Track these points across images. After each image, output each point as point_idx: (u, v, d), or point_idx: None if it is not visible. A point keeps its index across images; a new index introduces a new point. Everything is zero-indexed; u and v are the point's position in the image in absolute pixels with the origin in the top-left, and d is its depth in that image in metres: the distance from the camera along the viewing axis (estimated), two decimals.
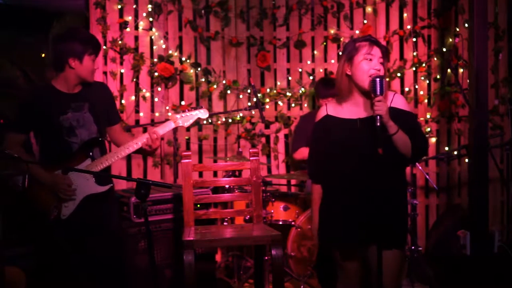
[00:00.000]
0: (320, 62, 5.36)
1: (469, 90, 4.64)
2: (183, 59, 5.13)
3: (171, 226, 4.07)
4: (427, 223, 5.43)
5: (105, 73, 5.00)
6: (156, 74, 5.06)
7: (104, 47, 4.96)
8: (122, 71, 5.04)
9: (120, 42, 4.99)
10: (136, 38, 5.07)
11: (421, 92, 5.38)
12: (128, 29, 5.01)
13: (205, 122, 5.17)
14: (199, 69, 5.17)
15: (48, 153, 3.38)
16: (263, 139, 5.32)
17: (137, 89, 5.07)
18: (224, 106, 5.22)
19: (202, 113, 3.56)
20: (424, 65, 5.35)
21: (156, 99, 5.09)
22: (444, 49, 5.34)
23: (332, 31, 5.32)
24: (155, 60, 5.07)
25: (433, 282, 4.40)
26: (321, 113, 2.98)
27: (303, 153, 4.89)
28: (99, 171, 3.29)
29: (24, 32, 5.18)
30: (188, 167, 3.68)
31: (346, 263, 2.95)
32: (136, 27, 5.06)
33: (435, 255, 4.85)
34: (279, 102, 5.29)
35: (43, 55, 5.54)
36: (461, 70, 5.17)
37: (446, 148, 5.35)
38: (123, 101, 5.00)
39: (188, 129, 5.15)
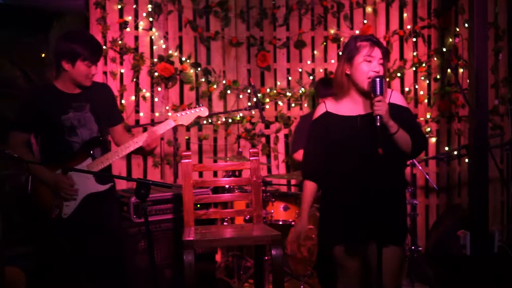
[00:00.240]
0: (320, 62, 5.36)
1: (469, 90, 4.64)
2: (183, 59, 5.13)
3: (171, 226, 4.07)
4: (427, 223, 5.43)
5: (105, 73, 5.00)
6: (156, 74, 5.06)
7: (104, 47, 4.96)
8: (122, 71, 5.04)
9: (120, 42, 4.99)
10: (136, 38, 5.08)
11: (421, 92, 5.38)
12: (128, 29, 5.01)
13: (205, 122, 5.17)
14: (199, 69, 5.17)
15: (49, 153, 3.39)
16: (263, 139, 5.32)
17: (137, 89, 5.07)
18: (224, 106, 5.22)
19: (202, 111, 3.56)
20: (424, 65, 5.35)
21: (156, 99, 5.09)
22: (444, 49, 5.34)
23: (332, 31, 5.32)
24: (155, 60, 5.07)
25: (433, 282, 4.40)
26: (320, 110, 2.97)
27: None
28: (99, 170, 3.30)
29: (24, 32, 5.17)
30: (188, 167, 3.68)
31: (346, 263, 2.94)
32: (136, 27, 5.06)
33: (435, 255, 4.85)
34: (279, 102, 5.29)
35: (43, 55, 5.54)
36: (461, 70, 5.18)
37: (446, 148, 5.35)
38: (123, 101, 5.00)
39: (188, 129, 5.15)
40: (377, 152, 2.67)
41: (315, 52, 5.35)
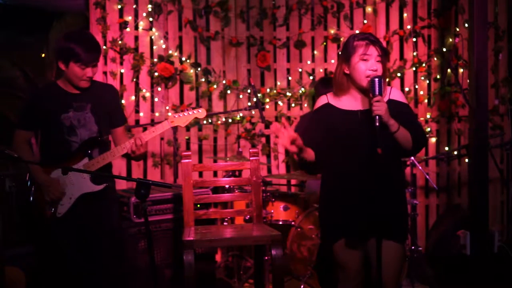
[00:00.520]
0: (320, 62, 5.36)
1: (469, 90, 4.64)
2: (183, 59, 5.13)
3: (171, 226, 4.07)
4: (427, 223, 5.43)
5: (105, 73, 5.00)
6: (156, 74, 5.06)
7: (104, 47, 4.96)
8: (122, 71, 5.04)
9: (120, 42, 4.99)
10: (136, 38, 5.07)
11: (421, 92, 5.38)
12: (128, 29, 5.01)
13: (205, 122, 5.17)
14: (199, 69, 5.17)
15: (48, 151, 3.41)
16: (263, 139, 5.32)
17: (137, 89, 5.07)
18: (224, 106, 5.22)
19: (200, 113, 3.53)
20: (424, 65, 5.35)
21: (156, 99, 5.09)
22: (444, 49, 5.34)
23: (332, 31, 5.32)
24: (155, 60, 5.07)
25: (433, 282, 4.40)
26: (322, 101, 2.97)
27: None
28: (95, 170, 3.30)
29: (24, 32, 5.18)
30: (188, 167, 3.68)
31: (347, 262, 2.94)
32: (136, 27, 5.06)
33: (435, 255, 4.85)
34: (279, 102, 5.29)
35: (43, 55, 5.54)
36: (461, 70, 5.18)
37: (446, 148, 5.35)
38: (123, 101, 5.00)
39: (188, 129, 5.15)
40: (376, 151, 2.67)
41: (315, 52, 5.35)
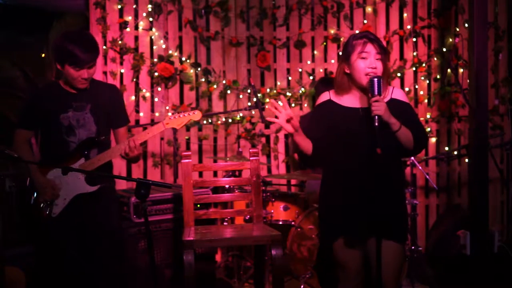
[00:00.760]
0: (320, 62, 5.36)
1: (469, 90, 4.64)
2: (183, 59, 5.13)
3: (171, 226, 4.07)
4: (427, 223, 5.43)
5: (105, 73, 5.00)
6: (156, 74, 5.06)
7: (104, 47, 4.97)
8: (122, 71, 5.04)
9: (120, 42, 4.99)
10: (136, 38, 5.08)
11: (421, 92, 5.38)
12: (128, 29, 5.01)
13: (205, 122, 5.17)
14: (199, 69, 5.17)
15: (47, 151, 3.41)
16: (263, 139, 5.32)
17: (137, 89, 5.07)
18: (224, 106, 5.22)
19: (195, 115, 3.47)
20: (424, 65, 5.35)
21: (156, 99, 5.09)
22: (444, 49, 5.34)
23: (332, 31, 5.32)
24: (155, 60, 5.07)
25: (433, 282, 4.40)
26: (324, 97, 2.98)
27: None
28: (90, 171, 3.29)
29: (24, 32, 5.18)
30: (188, 167, 3.68)
31: (347, 261, 2.93)
32: (136, 27, 5.06)
33: (435, 255, 4.85)
34: (279, 102, 5.28)
35: (43, 55, 5.54)
36: (461, 70, 5.18)
37: (446, 148, 5.36)
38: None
39: (188, 129, 5.15)
40: (376, 151, 2.67)
41: (315, 52, 5.35)
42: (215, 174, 5.20)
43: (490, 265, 4.36)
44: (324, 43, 5.36)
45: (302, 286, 4.30)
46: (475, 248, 4.43)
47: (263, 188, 4.28)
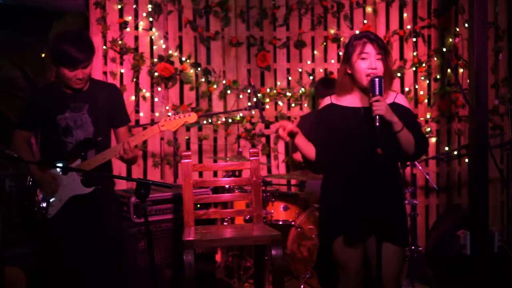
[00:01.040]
0: (320, 62, 5.36)
1: (469, 90, 4.64)
2: (183, 59, 5.13)
3: (171, 226, 4.07)
4: (427, 223, 5.43)
5: (105, 73, 5.00)
6: (156, 74, 5.06)
7: (104, 47, 4.97)
8: (122, 71, 5.04)
9: (120, 42, 4.99)
10: (136, 38, 5.08)
11: (421, 92, 5.38)
12: (128, 29, 5.01)
13: (205, 122, 5.17)
14: (199, 69, 5.17)
15: (45, 152, 3.41)
16: (263, 139, 5.32)
17: (137, 89, 5.07)
18: (224, 106, 5.22)
19: (191, 117, 3.42)
20: (424, 65, 5.35)
21: (156, 99, 5.09)
22: (444, 49, 5.34)
23: (332, 31, 5.32)
24: (155, 60, 5.07)
25: (433, 282, 4.40)
26: (325, 101, 2.99)
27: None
28: (91, 171, 3.28)
29: (24, 32, 5.17)
30: (188, 167, 3.68)
31: (347, 261, 2.93)
32: (136, 27, 5.06)
33: (435, 255, 4.85)
34: (279, 102, 5.29)
35: (43, 55, 5.53)
36: (461, 70, 5.18)
37: (446, 148, 5.36)
38: None
39: (188, 129, 5.15)
40: (376, 151, 2.67)
41: (315, 52, 5.35)
42: (215, 174, 5.20)
43: (490, 265, 4.36)
44: (324, 43, 5.36)
45: (302, 286, 4.30)
46: (475, 248, 4.43)
47: (263, 188, 4.28)
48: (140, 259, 3.91)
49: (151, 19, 5.06)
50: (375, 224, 2.73)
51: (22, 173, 3.39)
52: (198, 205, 3.97)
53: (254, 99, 4.78)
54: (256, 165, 3.74)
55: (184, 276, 3.29)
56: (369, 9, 5.34)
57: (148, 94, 5.07)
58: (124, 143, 3.27)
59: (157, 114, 5.07)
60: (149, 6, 5.04)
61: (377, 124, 2.71)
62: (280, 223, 4.47)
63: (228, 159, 4.70)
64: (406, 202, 4.32)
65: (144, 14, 5.04)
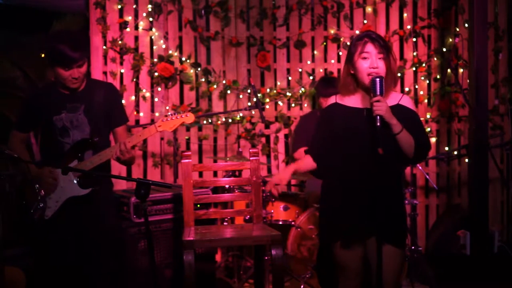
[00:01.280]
0: (320, 62, 5.36)
1: (469, 90, 4.64)
2: (183, 59, 5.13)
3: (171, 226, 4.07)
4: (427, 223, 5.43)
5: (105, 73, 5.00)
6: (156, 74, 5.06)
7: (104, 47, 4.97)
8: (122, 71, 5.04)
9: (120, 42, 4.99)
10: (136, 38, 5.08)
11: (421, 92, 5.38)
12: (128, 29, 5.01)
13: (205, 122, 5.17)
14: (199, 69, 5.17)
15: (43, 152, 3.40)
16: (263, 139, 5.32)
17: (137, 89, 5.07)
18: (224, 106, 5.22)
19: (188, 118, 3.40)
20: (424, 65, 5.35)
21: (156, 99, 5.09)
22: (444, 49, 5.34)
23: (332, 31, 5.32)
24: (155, 60, 5.07)
25: (433, 282, 4.40)
26: (330, 100, 3.00)
27: (303, 154, 4.88)
28: (91, 171, 3.25)
29: (24, 32, 5.17)
30: (188, 167, 3.68)
31: (347, 262, 2.93)
32: (136, 27, 5.06)
33: (435, 255, 4.85)
34: (279, 102, 5.29)
35: (43, 55, 5.53)
36: (461, 70, 5.18)
37: (446, 148, 5.36)
38: (123, 101, 5.00)
39: (188, 129, 5.15)
40: (377, 151, 2.67)
41: (315, 52, 5.35)
42: (215, 174, 5.20)
43: (490, 265, 4.36)
44: (324, 43, 5.36)
45: (302, 286, 4.30)
46: (475, 248, 4.44)
47: (263, 188, 4.28)
48: (140, 259, 3.91)
49: (151, 19, 5.06)
50: (375, 225, 2.72)
51: (19, 173, 3.38)
52: (198, 205, 3.97)
53: (254, 99, 4.78)
54: (256, 165, 3.74)
55: (184, 276, 3.29)
56: (369, 9, 5.35)
57: (148, 94, 5.07)
58: (121, 144, 3.24)
59: (157, 114, 5.07)
60: (149, 6, 5.04)
61: (378, 124, 2.71)
62: (280, 223, 4.47)
63: (228, 159, 4.70)
64: (406, 202, 4.32)
65: (144, 14, 5.04)
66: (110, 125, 3.46)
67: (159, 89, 5.09)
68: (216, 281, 4.32)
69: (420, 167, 4.94)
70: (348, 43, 5.26)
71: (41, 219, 3.25)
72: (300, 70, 5.34)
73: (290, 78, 5.32)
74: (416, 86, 5.40)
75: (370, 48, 2.80)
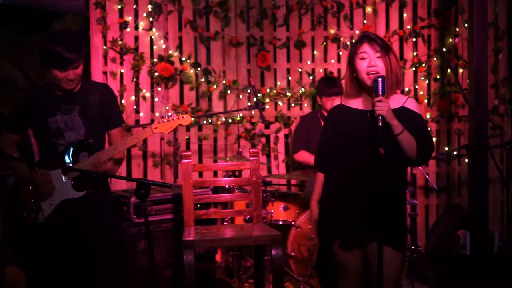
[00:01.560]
0: (320, 62, 5.36)
1: (469, 90, 4.65)
2: (183, 59, 5.14)
3: (171, 226, 4.07)
4: (427, 223, 5.43)
5: (105, 73, 5.01)
6: (156, 74, 5.06)
7: (104, 47, 4.97)
8: (122, 71, 5.04)
9: (120, 42, 4.99)
10: (136, 38, 5.08)
11: (421, 92, 5.38)
12: (128, 29, 5.02)
13: (205, 122, 5.18)
14: (199, 69, 5.17)
15: (40, 153, 3.35)
16: (263, 139, 5.32)
17: (137, 89, 5.07)
18: (224, 106, 5.22)
19: (184, 120, 3.36)
20: (424, 65, 5.35)
21: (156, 99, 5.09)
22: (444, 49, 5.35)
23: (332, 31, 5.32)
24: (155, 60, 5.07)
25: (433, 282, 4.40)
26: (336, 102, 3.00)
27: (303, 156, 4.88)
28: (76, 175, 3.21)
29: (24, 32, 5.16)
30: (188, 167, 3.68)
31: (346, 262, 2.93)
32: (136, 27, 5.06)
33: (435, 255, 4.86)
34: (279, 102, 5.29)
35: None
36: (461, 70, 5.18)
37: (446, 148, 5.36)
38: (123, 101, 5.00)
39: (188, 129, 5.15)
40: (379, 151, 2.67)
41: (315, 52, 5.35)
42: (215, 174, 5.20)
43: (490, 265, 4.36)
44: (324, 43, 5.36)
45: (302, 286, 4.30)
46: (475, 248, 4.44)
47: (263, 188, 4.28)
48: (140, 259, 3.91)
49: (151, 19, 5.06)
50: (375, 226, 2.72)
51: (13, 174, 3.35)
52: (198, 205, 3.97)
53: (254, 99, 4.78)
54: (256, 165, 3.74)
55: (184, 276, 3.29)
56: (369, 9, 5.35)
57: (148, 94, 5.07)
58: (94, 158, 3.19)
59: (157, 114, 5.07)
60: (149, 6, 5.04)
61: (380, 124, 2.71)
62: (280, 223, 4.47)
63: (228, 159, 4.70)
64: (406, 202, 4.31)
65: (144, 14, 5.04)
66: (106, 126, 3.41)
67: (159, 89, 5.09)
68: (216, 281, 4.32)
69: (420, 167, 4.94)
70: (348, 43, 5.28)
71: (34, 222, 3.20)
72: (300, 70, 5.34)
73: (290, 78, 5.32)
74: (416, 86, 5.40)
75: (367, 48, 2.80)
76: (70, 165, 3.22)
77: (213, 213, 3.98)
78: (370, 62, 2.78)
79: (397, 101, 2.86)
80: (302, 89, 5.29)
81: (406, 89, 5.35)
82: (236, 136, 5.23)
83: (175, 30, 5.13)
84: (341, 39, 5.32)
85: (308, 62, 5.34)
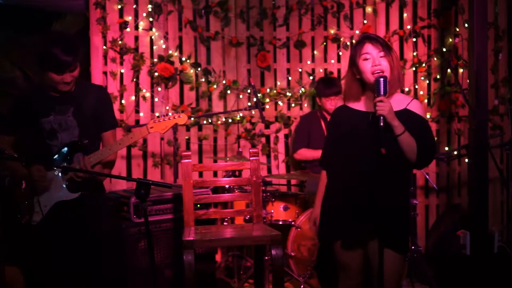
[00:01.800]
0: (320, 62, 5.36)
1: (469, 90, 4.64)
2: (183, 59, 5.14)
3: (171, 226, 4.07)
4: (427, 223, 5.44)
5: (105, 73, 5.01)
6: (156, 74, 5.06)
7: (104, 47, 4.97)
8: (122, 71, 5.04)
9: (120, 42, 4.99)
10: (136, 38, 5.08)
11: (421, 92, 5.38)
12: (128, 29, 5.02)
13: (205, 122, 5.18)
14: (199, 69, 5.17)
15: (31, 155, 3.28)
16: (263, 139, 5.32)
17: (137, 89, 5.07)
18: (224, 106, 5.22)
19: (181, 119, 3.33)
20: (424, 65, 5.35)
21: (156, 99, 5.09)
22: (444, 49, 5.35)
23: (332, 31, 5.32)
24: (155, 60, 5.07)
25: (433, 282, 4.40)
26: (337, 103, 3.02)
27: (303, 154, 4.89)
28: (70, 177, 3.18)
29: (24, 32, 5.17)
30: (188, 167, 3.68)
31: (347, 262, 2.93)
32: (136, 27, 5.06)
33: (435, 255, 4.86)
34: (279, 102, 5.29)
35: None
36: (461, 70, 5.18)
37: (446, 148, 5.36)
38: (123, 101, 5.01)
39: (188, 129, 5.16)
40: (380, 152, 2.67)
41: (315, 52, 5.35)
42: (215, 174, 5.20)
43: (490, 265, 4.35)
44: (324, 43, 5.36)
45: (302, 286, 4.30)
46: (475, 248, 4.43)
47: (263, 188, 4.28)
48: (140, 259, 3.91)
49: (151, 19, 5.06)
50: (376, 227, 2.72)
51: (8, 173, 3.33)
52: (198, 205, 3.97)
53: (254, 99, 4.78)
54: (256, 165, 3.74)
55: (184, 276, 3.29)
56: (369, 9, 5.35)
57: (148, 94, 5.07)
58: (77, 162, 3.14)
59: (157, 114, 5.07)
60: (149, 6, 5.04)
61: (381, 124, 2.71)
62: (280, 223, 4.47)
63: (228, 159, 4.70)
64: (409, 205, 4.31)
65: (144, 14, 5.04)
66: (99, 128, 3.37)
67: (159, 89, 5.09)
68: (216, 281, 4.33)
69: None
70: (348, 43, 5.28)
71: (28, 223, 3.17)
72: (300, 70, 5.34)
73: (290, 78, 5.32)
74: (416, 86, 5.40)
75: (370, 48, 2.80)
76: (65, 165, 3.18)
77: (213, 213, 3.98)
78: (374, 61, 2.78)
79: (401, 102, 2.85)
80: (302, 89, 5.29)
81: (406, 89, 5.35)
82: (236, 136, 5.23)
83: (175, 30, 5.13)
84: (341, 39, 5.32)
85: (308, 62, 5.34)
